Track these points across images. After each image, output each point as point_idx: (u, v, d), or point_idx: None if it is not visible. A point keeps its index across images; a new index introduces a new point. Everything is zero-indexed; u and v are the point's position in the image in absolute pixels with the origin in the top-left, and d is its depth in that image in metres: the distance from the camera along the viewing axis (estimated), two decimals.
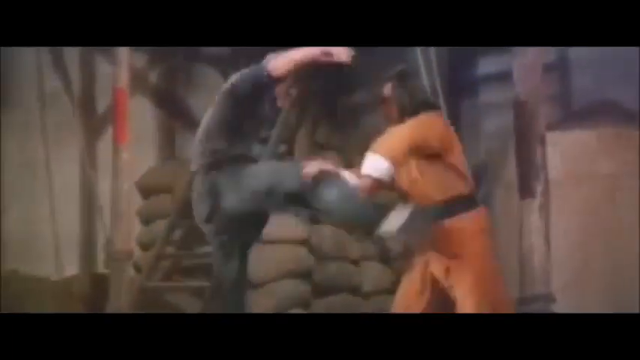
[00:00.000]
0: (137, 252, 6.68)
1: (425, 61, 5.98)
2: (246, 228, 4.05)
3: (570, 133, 6.14)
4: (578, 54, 6.51)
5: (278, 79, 3.94)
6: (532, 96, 5.24)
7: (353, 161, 6.82)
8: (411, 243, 4.40)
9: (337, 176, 3.95)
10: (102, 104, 7.02)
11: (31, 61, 6.73)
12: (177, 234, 6.67)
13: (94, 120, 7.07)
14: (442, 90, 5.91)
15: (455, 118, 6.03)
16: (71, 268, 6.78)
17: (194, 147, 4.09)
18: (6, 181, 6.63)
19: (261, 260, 5.90)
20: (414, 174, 4.15)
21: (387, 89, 4.30)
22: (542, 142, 5.22)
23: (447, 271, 4.09)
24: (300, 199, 3.88)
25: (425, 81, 5.74)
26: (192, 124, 7.42)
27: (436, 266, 4.12)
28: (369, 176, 3.94)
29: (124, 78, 6.39)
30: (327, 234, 6.59)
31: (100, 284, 6.49)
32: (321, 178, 3.84)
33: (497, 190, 6.15)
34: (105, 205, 6.59)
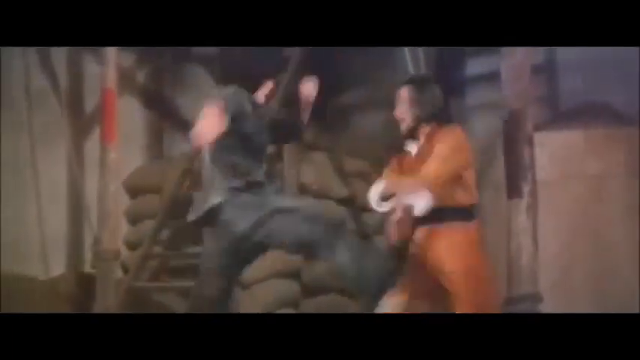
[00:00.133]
0: (124, 252, 6.66)
1: (413, 62, 5.98)
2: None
3: (558, 133, 6.16)
4: (566, 55, 6.53)
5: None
6: (520, 97, 5.24)
7: (342, 162, 6.86)
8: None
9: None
10: (90, 104, 7.00)
11: (18, 60, 6.70)
12: (165, 234, 6.65)
13: (82, 120, 7.04)
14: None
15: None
16: (58, 267, 6.76)
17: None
18: None
19: None
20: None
21: (405, 92, 4.30)
22: (531, 142, 5.22)
23: (440, 271, 4.13)
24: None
25: None
26: (180, 123, 7.41)
27: (429, 266, 4.16)
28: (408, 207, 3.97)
29: (112, 78, 6.36)
30: None
31: (87, 284, 6.46)
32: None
33: (485, 191, 6.13)
34: (92, 205, 6.57)
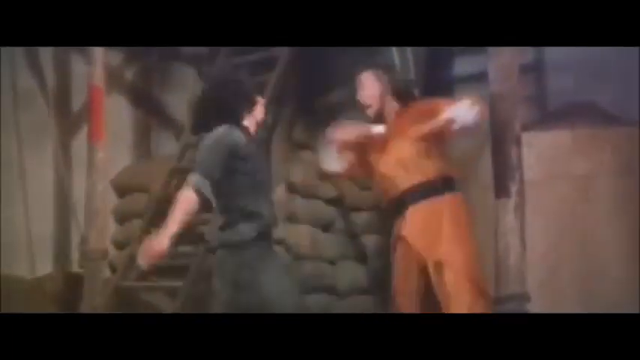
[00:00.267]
0: (112, 251, 6.65)
1: (401, 61, 5.99)
2: None
3: (546, 133, 6.16)
4: (554, 55, 6.54)
5: None
6: (508, 96, 5.25)
7: None
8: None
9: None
10: (77, 102, 6.97)
11: (4, 59, 6.67)
12: (153, 233, 6.63)
13: (69, 118, 7.02)
14: (418, 90, 5.91)
15: None
16: (45, 267, 6.73)
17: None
18: None
19: None
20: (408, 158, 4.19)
21: (366, 77, 4.30)
22: (518, 142, 5.23)
23: (431, 249, 4.14)
24: None
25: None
26: (168, 122, 7.40)
27: (417, 243, 4.18)
28: (456, 120, 4.04)
29: (99, 76, 6.34)
30: (303, 233, 6.59)
31: (74, 283, 6.45)
32: None
33: (473, 190, 6.13)
34: (79, 204, 6.55)
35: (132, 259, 6.51)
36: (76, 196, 6.64)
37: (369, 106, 4.34)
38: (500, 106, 5.21)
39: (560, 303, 5.87)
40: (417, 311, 4.23)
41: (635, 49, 5.17)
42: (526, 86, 6.18)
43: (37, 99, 6.86)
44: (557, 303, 5.84)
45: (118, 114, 6.97)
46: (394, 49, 6.07)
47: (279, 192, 6.38)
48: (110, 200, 6.71)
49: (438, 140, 4.30)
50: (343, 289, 6.78)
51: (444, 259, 4.17)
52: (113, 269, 6.59)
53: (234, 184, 3.89)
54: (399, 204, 4.29)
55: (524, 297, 5.16)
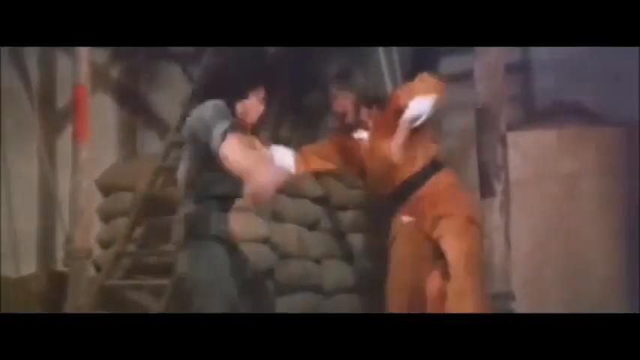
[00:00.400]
0: (97, 250, 6.62)
1: (387, 61, 5.99)
2: None
3: (532, 133, 6.19)
4: (540, 55, 6.56)
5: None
6: (494, 96, 5.26)
7: None
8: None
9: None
10: (62, 101, 6.94)
11: None
12: (139, 232, 6.61)
13: (54, 117, 6.98)
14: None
15: None
16: (29, 266, 6.70)
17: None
18: None
19: None
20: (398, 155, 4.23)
21: (337, 86, 4.34)
22: (504, 141, 5.24)
23: (434, 224, 4.19)
24: None
25: (387, 80, 5.76)
26: (154, 121, 7.37)
27: (423, 224, 4.22)
28: (412, 117, 4.08)
29: (84, 74, 6.31)
30: (289, 232, 6.58)
31: (59, 282, 6.41)
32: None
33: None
34: (64, 203, 6.52)
35: (117, 257, 6.51)
36: (61, 195, 6.61)
37: (344, 115, 4.38)
38: (486, 105, 5.22)
39: (544, 302, 5.89)
40: (410, 304, 4.26)
41: (622, 49, 5.18)
42: (512, 86, 6.20)
43: (21, 98, 6.82)
44: (541, 302, 5.86)
45: (103, 112, 6.94)
46: (380, 50, 6.08)
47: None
48: (95, 199, 6.68)
49: (416, 134, 4.36)
50: (329, 288, 6.78)
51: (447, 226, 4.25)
52: (98, 268, 6.57)
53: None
54: (396, 197, 4.34)
55: (509, 296, 5.18)
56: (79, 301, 6.13)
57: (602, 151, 6.10)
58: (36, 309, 6.25)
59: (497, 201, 5.19)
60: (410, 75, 5.97)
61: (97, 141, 6.44)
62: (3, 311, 5.86)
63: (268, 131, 6.94)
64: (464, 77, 5.91)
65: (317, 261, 6.78)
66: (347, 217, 6.99)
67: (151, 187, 6.41)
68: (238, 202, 4.18)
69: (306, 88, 7.11)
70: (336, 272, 6.85)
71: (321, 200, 6.78)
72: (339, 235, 6.97)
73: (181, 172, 4.12)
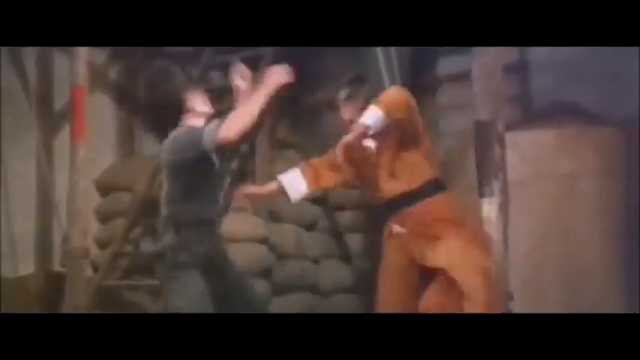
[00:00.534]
0: (94, 250, 6.62)
1: (385, 61, 5.99)
2: None
3: (530, 132, 6.18)
4: (538, 55, 6.56)
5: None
6: (492, 96, 5.26)
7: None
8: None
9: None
10: (60, 101, 6.93)
11: None
12: (136, 232, 6.61)
13: (52, 117, 6.98)
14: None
15: None
16: (27, 266, 6.69)
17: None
18: None
19: None
20: (390, 168, 4.20)
21: (345, 94, 4.32)
22: (502, 142, 5.24)
23: (430, 248, 4.15)
24: None
25: (385, 80, 5.75)
26: (152, 121, 7.36)
27: (417, 246, 4.18)
28: (362, 124, 3.97)
29: (82, 74, 6.31)
30: (287, 232, 6.58)
31: (56, 282, 6.42)
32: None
33: (457, 190, 6.15)
34: (62, 203, 6.51)
35: (114, 257, 6.51)
36: (59, 195, 6.61)
37: (351, 121, 4.36)
38: (484, 105, 5.22)
39: (542, 302, 5.89)
40: (400, 307, 4.24)
41: (621, 49, 5.18)
42: (510, 86, 6.19)
43: (19, 98, 6.81)
44: (540, 302, 5.86)
45: (101, 112, 6.93)
46: (379, 50, 6.07)
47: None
48: (92, 199, 6.69)
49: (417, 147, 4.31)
50: (327, 288, 6.78)
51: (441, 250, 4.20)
52: (95, 268, 6.57)
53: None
54: (392, 205, 4.30)
55: (508, 296, 5.17)
56: (76, 301, 6.13)
57: (600, 151, 6.09)
58: (34, 309, 6.25)
59: (495, 201, 5.18)
60: (409, 75, 5.98)
61: (95, 141, 6.44)
62: (1, 311, 5.86)
63: (266, 132, 6.94)
64: (462, 77, 5.91)
65: (315, 261, 6.79)
66: (345, 217, 7.00)
67: (149, 187, 6.41)
68: (235, 204, 4.19)
69: (303, 88, 7.11)
70: (334, 272, 6.86)
71: (319, 200, 6.79)
72: (336, 235, 6.98)
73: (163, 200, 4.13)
